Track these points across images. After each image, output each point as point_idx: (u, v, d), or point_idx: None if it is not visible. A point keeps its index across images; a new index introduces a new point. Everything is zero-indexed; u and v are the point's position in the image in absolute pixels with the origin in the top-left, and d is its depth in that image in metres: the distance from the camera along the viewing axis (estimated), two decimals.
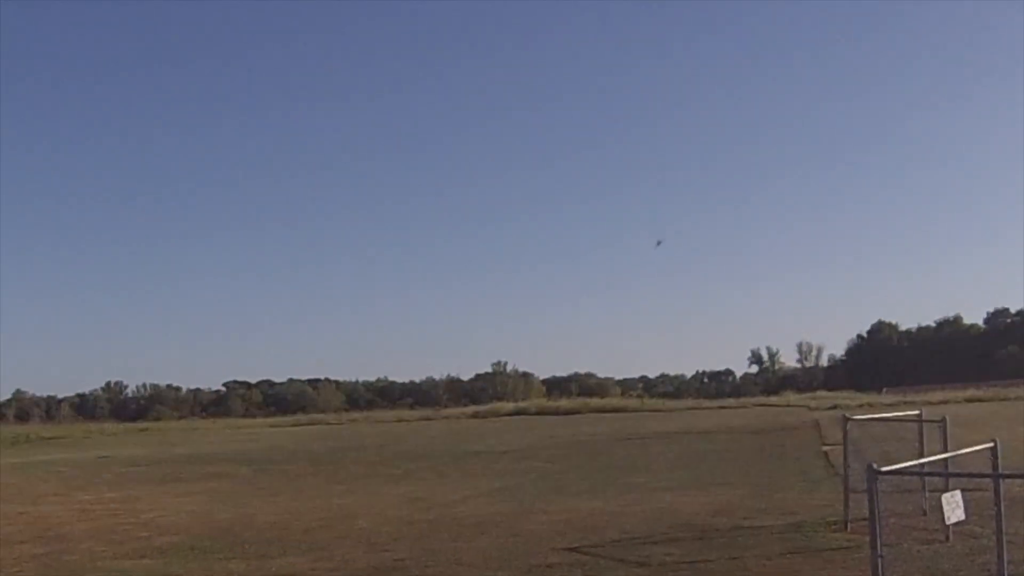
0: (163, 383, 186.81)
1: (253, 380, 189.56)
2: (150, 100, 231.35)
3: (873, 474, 11.75)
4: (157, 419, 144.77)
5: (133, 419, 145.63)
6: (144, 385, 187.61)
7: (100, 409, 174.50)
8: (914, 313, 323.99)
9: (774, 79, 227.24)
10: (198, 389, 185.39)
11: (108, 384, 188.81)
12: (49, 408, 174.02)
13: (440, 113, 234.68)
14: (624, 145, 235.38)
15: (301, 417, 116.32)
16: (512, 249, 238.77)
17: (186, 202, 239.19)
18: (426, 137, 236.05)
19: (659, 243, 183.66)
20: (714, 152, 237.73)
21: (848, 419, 24.62)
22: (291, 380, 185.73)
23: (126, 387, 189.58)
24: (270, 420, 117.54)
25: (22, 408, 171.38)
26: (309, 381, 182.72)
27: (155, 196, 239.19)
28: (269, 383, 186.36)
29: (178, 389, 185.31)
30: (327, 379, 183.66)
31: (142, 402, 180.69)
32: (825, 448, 43.61)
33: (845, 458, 23.82)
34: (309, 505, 29.99)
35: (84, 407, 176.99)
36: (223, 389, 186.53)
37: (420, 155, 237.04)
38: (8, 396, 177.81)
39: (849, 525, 21.59)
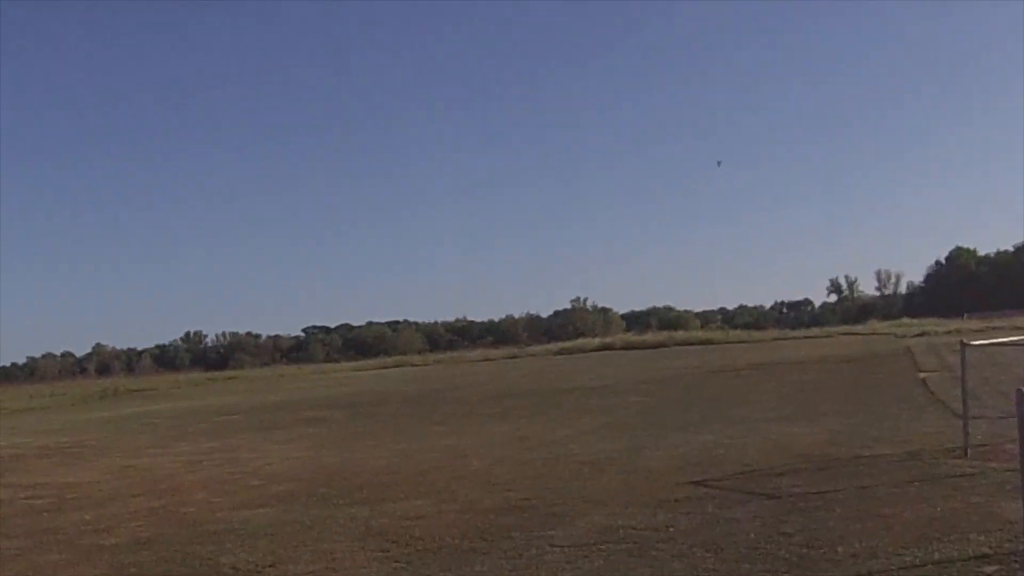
0: (242, 331, 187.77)
1: (332, 325, 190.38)
2: (203, 54, 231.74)
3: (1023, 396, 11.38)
4: (238, 367, 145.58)
5: (213, 368, 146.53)
6: (223, 334, 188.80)
7: (180, 360, 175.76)
8: (992, 238, 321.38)
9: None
10: (277, 336, 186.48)
11: (187, 334, 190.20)
12: (130, 360, 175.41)
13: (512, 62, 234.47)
14: (697, 85, 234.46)
15: (386, 360, 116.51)
16: (584, 186, 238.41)
17: (256, 152, 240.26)
18: (496, 86, 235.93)
19: (720, 163, 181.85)
20: (795, 83, 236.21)
21: (966, 344, 23.82)
22: (370, 323, 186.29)
23: (205, 336, 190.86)
24: (354, 364, 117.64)
25: (102, 361, 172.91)
26: (388, 323, 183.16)
27: (224, 147, 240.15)
28: (348, 327, 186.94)
29: (257, 336, 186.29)
30: (406, 321, 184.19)
31: (222, 351, 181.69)
32: (922, 375, 43.10)
33: (964, 383, 23.21)
34: (415, 447, 29.72)
35: (164, 358, 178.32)
36: (302, 335, 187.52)
37: (489, 101, 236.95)
38: (88, 350, 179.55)
39: (968, 451, 21.15)
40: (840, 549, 13.81)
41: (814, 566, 13.09)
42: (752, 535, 14.96)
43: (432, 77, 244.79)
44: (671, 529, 15.68)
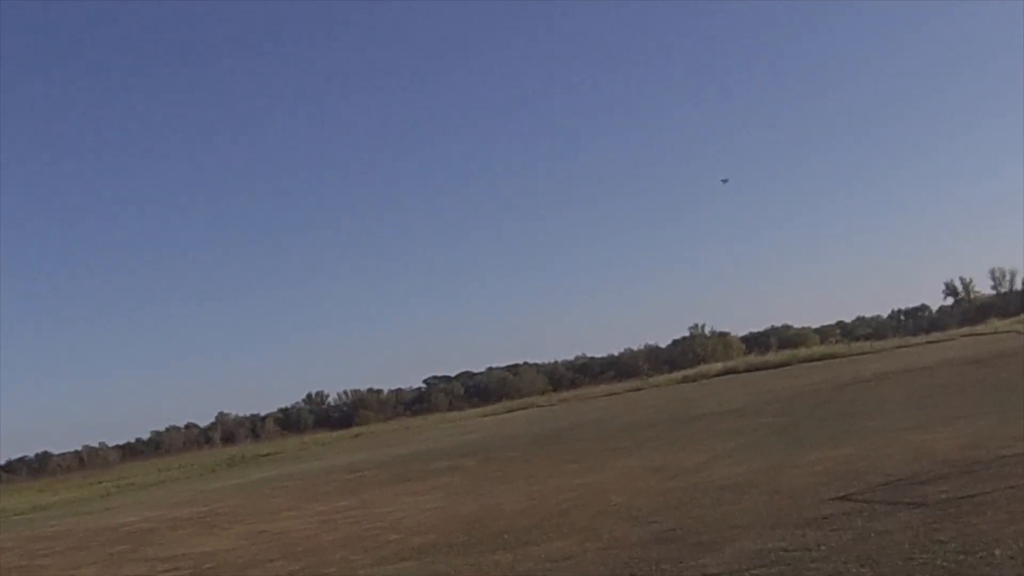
0: (363, 387, 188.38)
1: (452, 373, 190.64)
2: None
3: None
4: (362, 423, 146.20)
5: (337, 427, 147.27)
6: (345, 392, 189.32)
7: (304, 421, 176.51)
8: None
9: None
10: (399, 389, 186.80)
11: (309, 395, 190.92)
12: (254, 426, 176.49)
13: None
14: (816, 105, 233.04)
15: (510, 403, 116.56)
16: (691, 213, 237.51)
17: (369, 216, 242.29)
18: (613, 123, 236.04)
19: (725, 181, 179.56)
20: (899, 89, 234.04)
21: None
22: (490, 369, 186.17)
23: (327, 396, 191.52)
24: (479, 410, 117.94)
25: (227, 429, 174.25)
26: (508, 367, 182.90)
27: (337, 212, 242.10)
28: (469, 374, 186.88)
29: (379, 391, 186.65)
30: (526, 363, 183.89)
31: (345, 409, 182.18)
32: None
33: None
34: (551, 487, 29.49)
35: (288, 421, 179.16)
36: (424, 386, 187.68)
37: (612, 142, 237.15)
38: (212, 419, 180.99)
39: None
40: (998, 552, 13.48)
41: (973, 571, 12.78)
42: (906, 545, 14.63)
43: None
44: (823, 547, 15.38)
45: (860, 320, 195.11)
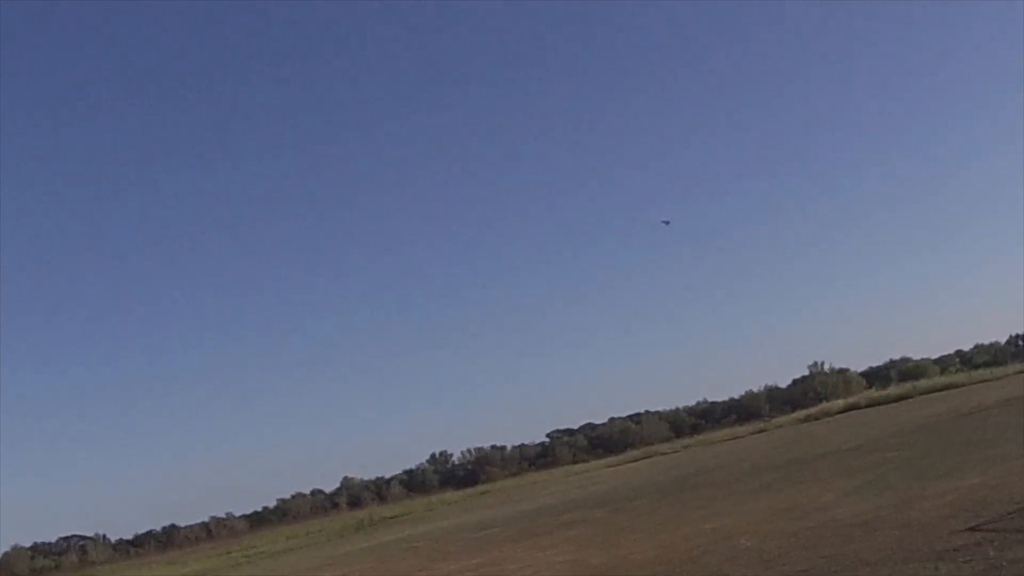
0: (486, 445, 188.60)
1: (575, 426, 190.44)
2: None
3: None
4: (488, 481, 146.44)
5: (463, 486, 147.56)
6: (468, 450, 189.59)
7: (429, 481, 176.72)
8: None
9: None
10: (522, 444, 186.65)
11: (433, 455, 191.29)
12: (379, 489, 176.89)
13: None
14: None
15: (634, 452, 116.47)
16: (805, 252, 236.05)
17: (474, 273, 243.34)
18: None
19: (667, 223, 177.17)
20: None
21: None
22: (612, 419, 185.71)
23: (451, 455, 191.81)
24: (603, 461, 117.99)
25: (353, 494, 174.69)
26: (630, 417, 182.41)
27: (451, 273, 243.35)
28: (591, 426, 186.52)
29: (503, 448, 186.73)
30: (647, 411, 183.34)
31: (469, 467, 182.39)
32: None
33: None
34: (680, 535, 29.57)
35: (413, 482, 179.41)
36: (547, 440, 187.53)
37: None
38: (337, 484, 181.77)
39: None
40: None
41: None
42: None
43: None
44: None
45: (979, 348, 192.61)
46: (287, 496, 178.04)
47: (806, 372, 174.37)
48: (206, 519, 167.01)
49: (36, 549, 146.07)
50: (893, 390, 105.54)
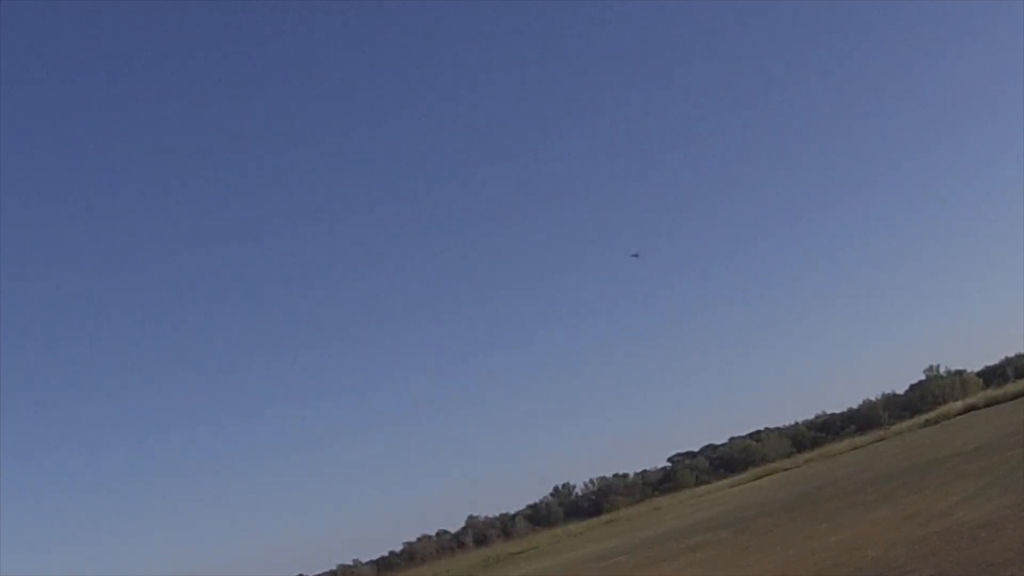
0: (608, 474, 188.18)
1: (695, 448, 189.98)
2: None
3: None
4: (612, 509, 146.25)
5: (587, 516, 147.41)
6: (591, 480, 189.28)
7: (553, 514, 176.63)
8: None
9: None
10: (644, 471, 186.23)
11: (556, 488, 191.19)
12: (504, 525, 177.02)
13: None
14: None
15: (756, 470, 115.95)
16: (915, 255, 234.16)
17: (588, 305, 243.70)
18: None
19: (636, 255, 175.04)
20: None
21: None
22: (732, 439, 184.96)
23: (574, 487, 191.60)
24: (726, 481, 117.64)
25: (478, 532, 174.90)
26: (750, 435, 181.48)
27: (563, 306, 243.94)
28: (711, 447, 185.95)
29: (624, 476, 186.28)
30: (766, 428, 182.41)
31: (593, 497, 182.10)
32: None
33: None
34: (805, 549, 29.53)
35: (537, 516, 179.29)
36: (668, 464, 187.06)
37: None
38: (462, 524, 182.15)
39: None
40: None
41: None
42: None
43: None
44: None
45: None
46: (413, 539, 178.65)
47: (922, 377, 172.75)
48: (334, 567, 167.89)
49: None
50: (1011, 387, 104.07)
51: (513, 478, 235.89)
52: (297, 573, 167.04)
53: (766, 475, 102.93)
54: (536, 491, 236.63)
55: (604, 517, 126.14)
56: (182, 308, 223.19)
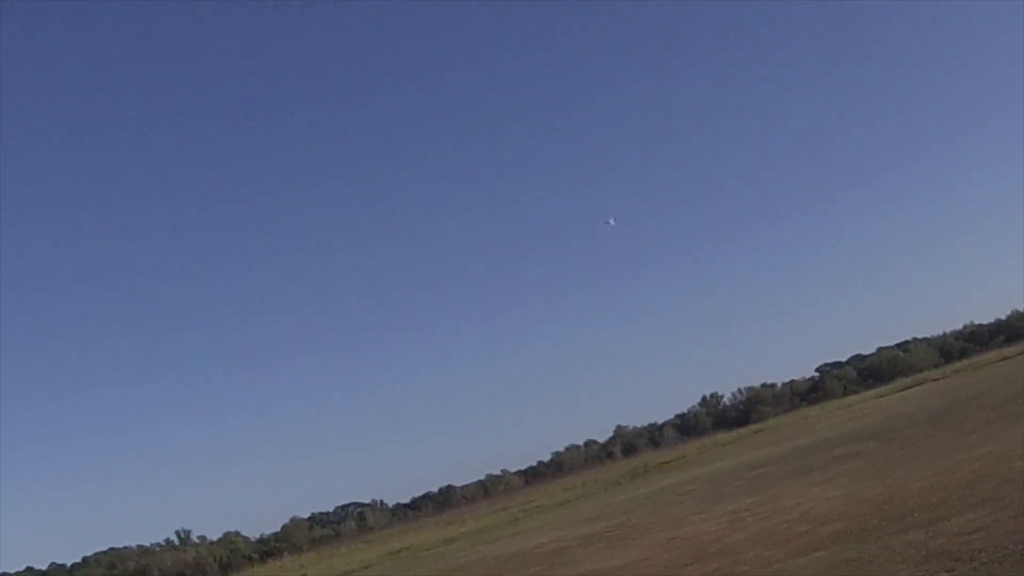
0: (756, 384, 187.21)
1: (843, 358, 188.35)
2: None
3: None
4: (760, 419, 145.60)
5: (735, 426, 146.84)
6: (739, 390, 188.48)
7: (701, 424, 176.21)
8: None
9: None
10: (792, 380, 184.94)
11: (704, 398, 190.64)
12: (652, 435, 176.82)
13: None
14: None
15: (904, 380, 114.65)
16: None
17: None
18: None
19: (609, 222, 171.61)
20: None
21: None
22: (880, 349, 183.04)
23: (722, 396, 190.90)
24: (874, 391, 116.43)
25: (626, 442, 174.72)
26: (898, 345, 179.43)
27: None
28: (859, 357, 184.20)
29: (773, 386, 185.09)
30: (915, 339, 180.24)
31: (741, 407, 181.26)
32: None
33: None
34: (954, 461, 28.99)
35: (685, 426, 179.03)
36: (816, 375, 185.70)
37: None
38: (610, 433, 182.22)
39: None
40: None
41: None
42: None
43: None
44: None
45: None
46: (561, 449, 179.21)
47: None
48: (482, 477, 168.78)
49: (314, 519, 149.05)
50: None
51: (661, 388, 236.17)
52: (446, 483, 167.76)
53: (914, 386, 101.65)
54: (684, 401, 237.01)
55: (752, 427, 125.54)
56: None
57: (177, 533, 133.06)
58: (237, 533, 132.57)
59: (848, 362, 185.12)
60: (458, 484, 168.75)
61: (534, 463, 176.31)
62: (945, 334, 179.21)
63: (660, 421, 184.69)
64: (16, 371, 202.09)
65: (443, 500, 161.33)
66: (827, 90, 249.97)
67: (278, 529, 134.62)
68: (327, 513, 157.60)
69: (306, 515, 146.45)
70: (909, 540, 18.44)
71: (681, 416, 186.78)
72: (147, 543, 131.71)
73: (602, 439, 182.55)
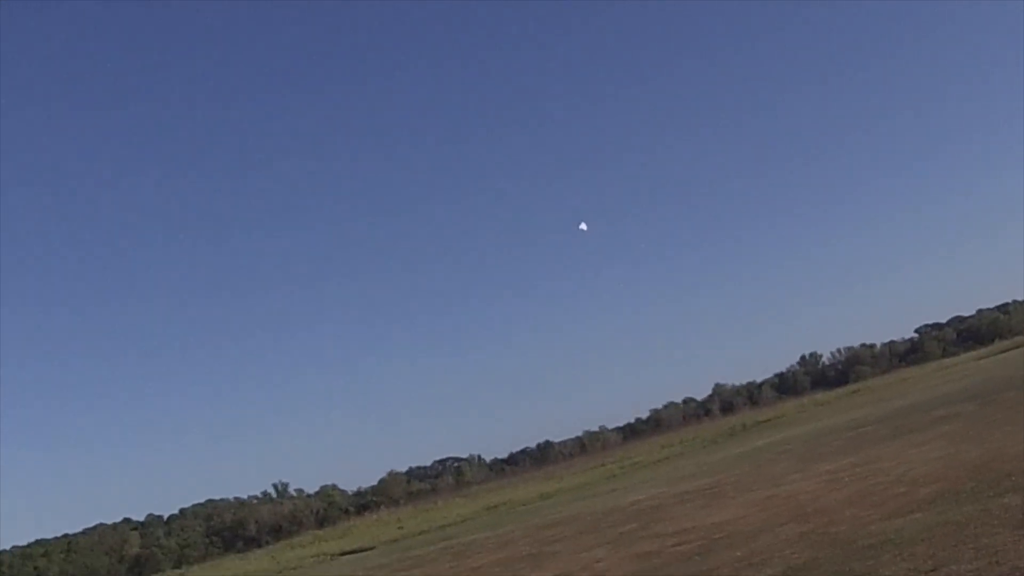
0: (855, 344, 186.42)
1: (943, 320, 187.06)
2: None
3: None
4: (858, 380, 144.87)
5: (834, 386, 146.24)
6: (838, 350, 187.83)
7: (800, 383, 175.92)
8: None
9: None
10: (891, 341, 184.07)
11: (803, 357, 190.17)
12: (751, 394, 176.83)
13: None
14: None
15: (1003, 343, 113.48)
16: None
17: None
18: None
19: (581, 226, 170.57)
20: None
21: None
22: (979, 311, 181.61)
23: (821, 356, 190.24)
24: (973, 353, 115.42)
25: (724, 400, 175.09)
26: (998, 307, 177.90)
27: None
28: (959, 319, 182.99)
29: (872, 346, 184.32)
30: (1015, 301, 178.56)
31: (839, 367, 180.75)
32: None
33: None
34: None
35: (784, 385, 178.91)
36: (915, 336, 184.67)
37: None
38: (709, 391, 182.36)
39: None
40: None
41: None
42: None
43: None
44: None
45: None
46: (659, 406, 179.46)
47: None
48: (579, 434, 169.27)
49: (412, 473, 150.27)
50: None
51: (761, 347, 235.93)
52: (544, 439, 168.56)
53: (1013, 348, 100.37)
54: (783, 360, 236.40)
55: (851, 387, 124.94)
56: None
57: (275, 486, 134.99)
58: (334, 486, 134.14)
59: (948, 324, 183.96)
60: (556, 440, 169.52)
61: (632, 420, 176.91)
62: None
63: (759, 380, 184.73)
64: (120, 325, 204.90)
65: (541, 456, 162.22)
66: None
67: (375, 483, 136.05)
68: (424, 467, 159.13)
69: (403, 469, 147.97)
70: (1006, 504, 18.11)
71: (780, 375, 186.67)
72: (244, 495, 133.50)
73: (700, 397, 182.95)
